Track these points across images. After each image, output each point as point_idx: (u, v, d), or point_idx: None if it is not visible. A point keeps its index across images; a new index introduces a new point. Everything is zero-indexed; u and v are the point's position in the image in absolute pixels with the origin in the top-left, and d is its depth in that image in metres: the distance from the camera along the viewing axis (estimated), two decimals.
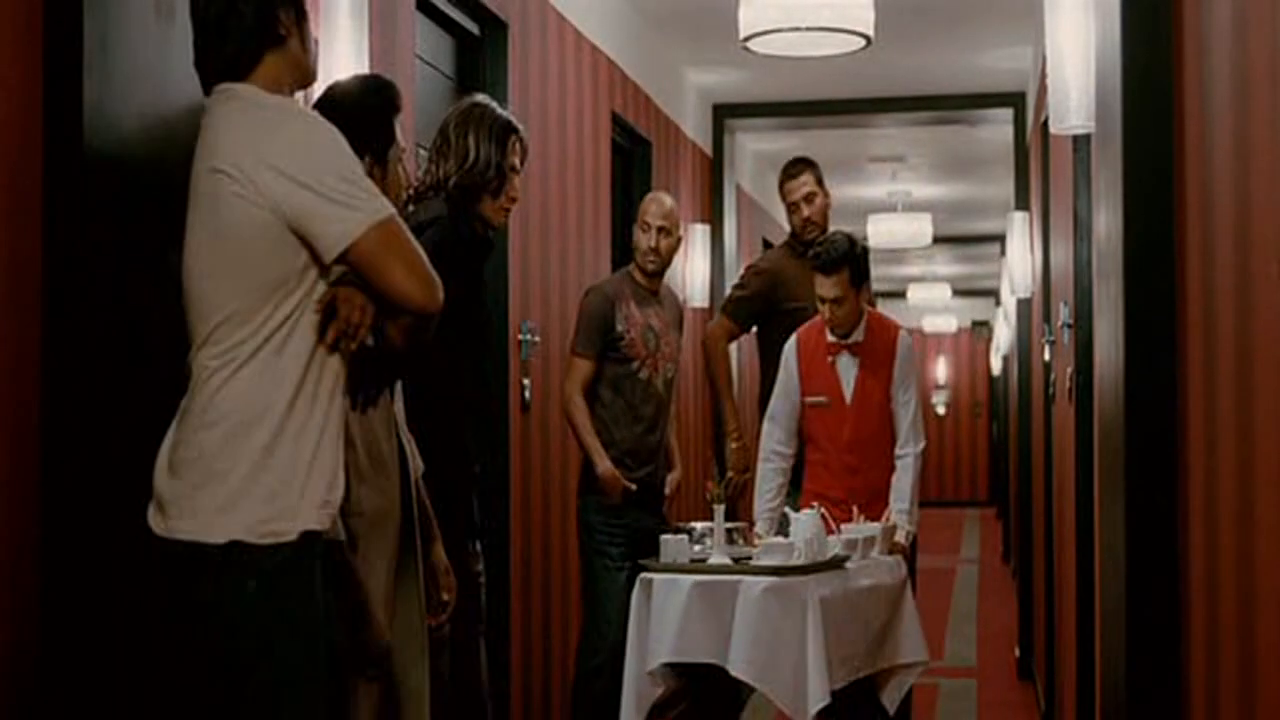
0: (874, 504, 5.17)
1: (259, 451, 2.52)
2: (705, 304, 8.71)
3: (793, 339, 5.37)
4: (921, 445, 5.24)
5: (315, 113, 2.76)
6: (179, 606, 2.56)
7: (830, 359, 5.27)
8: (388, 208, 2.61)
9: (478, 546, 4.02)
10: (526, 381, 5.41)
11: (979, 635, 9.70)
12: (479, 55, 5.18)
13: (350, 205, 2.55)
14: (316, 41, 2.84)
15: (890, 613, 4.80)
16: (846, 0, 4.77)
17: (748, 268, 6.48)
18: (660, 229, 5.42)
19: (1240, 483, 2.19)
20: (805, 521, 4.58)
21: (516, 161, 4.01)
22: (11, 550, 2.47)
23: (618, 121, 6.92)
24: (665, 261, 5.48)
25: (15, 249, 2.51)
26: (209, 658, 2.54)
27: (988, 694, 7.94)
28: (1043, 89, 5.38)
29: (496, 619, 4.94)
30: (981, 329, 22.57)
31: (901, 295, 20.71)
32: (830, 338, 5.26)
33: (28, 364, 2.53)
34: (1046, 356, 6.69)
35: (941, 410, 23.11)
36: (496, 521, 5.00)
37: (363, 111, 3.15)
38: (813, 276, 5.57)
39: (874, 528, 4.92)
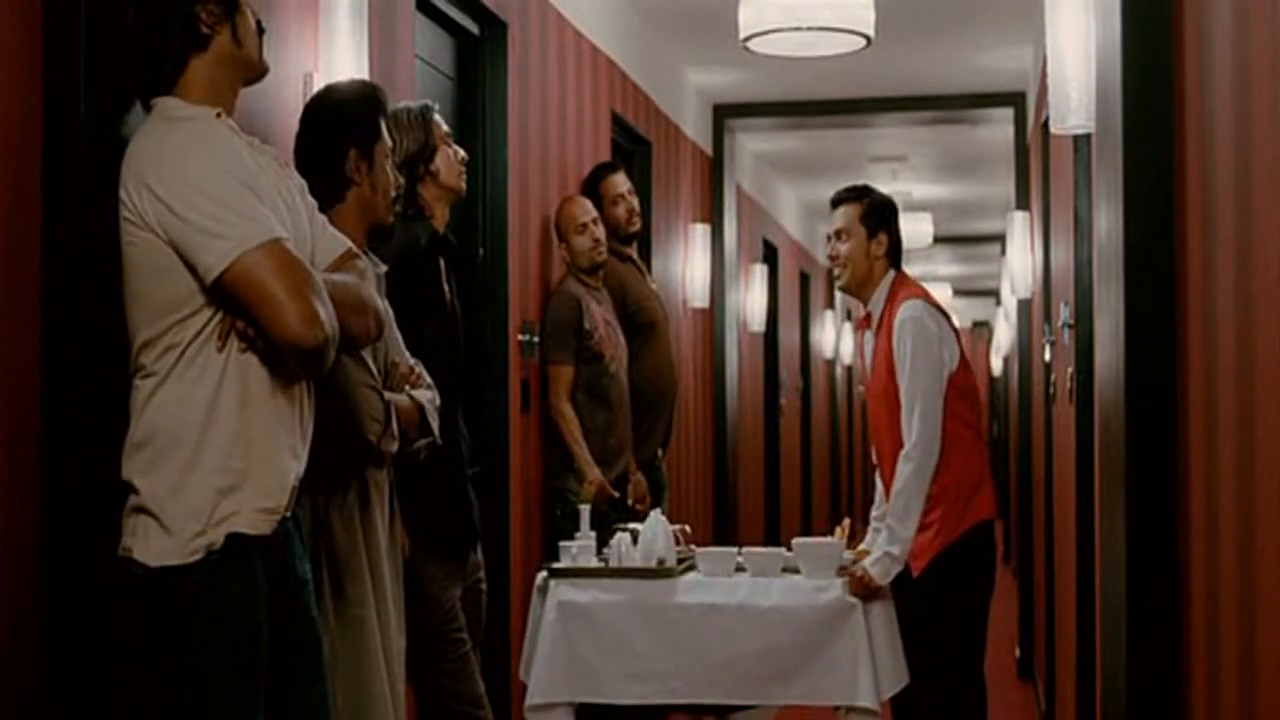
0: None
1: (182, 468, 2.47)
2: (705, 304, 8.70)
3: None
4: (910, 443, 4.38)
5: (213, 125, 2.59)
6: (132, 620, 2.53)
7: (861, 334, 4.73)
8: (265, 233, 2.46)
9: (479, 555, 4.01)
10: (526, 382, 5.41)
11: None
12: (479, 55, 5.18)
13: (218, 233, 2.44)
14: (262, 31, 2.72)
15: (805, 641, 4.25)
16: (847, 0, 4.76)
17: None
18: (593, 220, 5.63)
19: (1241, 483, 2.18)
20: (647, 526, 4.50)
21: (442, 131, 3.99)
22: (11, 551, 2.47)
23: (618, 121, 6.92)
24: (605, 247, 5.66)
25: (15, 249, 2.50)
26: (150, 668, 2.50)
27: (988, 694, 7.92)
28: (1043, 89, 5.37)
29: (499, 623, 4.93)
30: (982, 329, 22.56)
31: None
32: (862, 311, 4.71)
33: (27, 364, 2.53)
34: (1047, 357, 6.68)
35: None
36: (497, 525, 4.99)
37: (349, 108, 3.22)
38: (640, 274, 5.87)
39: (818, 543, 4.48)
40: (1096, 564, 3.77)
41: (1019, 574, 9.04)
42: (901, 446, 4.43)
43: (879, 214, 4.65)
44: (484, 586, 4.06)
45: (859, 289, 4.66)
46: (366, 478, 3.12)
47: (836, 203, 4.73)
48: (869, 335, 4.66)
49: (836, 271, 4.71)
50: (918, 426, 4.37)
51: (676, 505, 7.60)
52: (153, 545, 2.47)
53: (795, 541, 4.49)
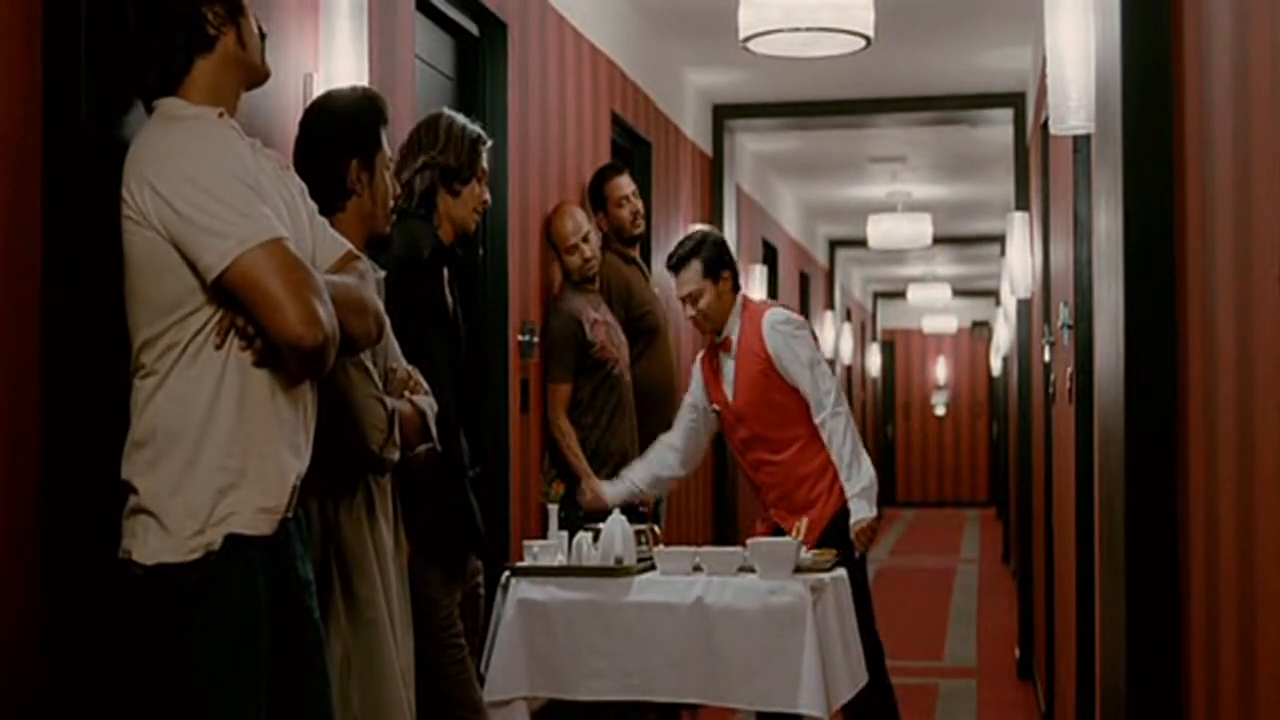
0: (791, 496, 4.98)
1: (182, 467, 2.47)
2: None
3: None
4: (827, 408, 4.89)
5: (215, 124, 2.59)
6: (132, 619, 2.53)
7: (715, 362, 5.09)
8: (266, 231, 2.45)
9: (477, 559, 4.01)
10: (526, 382, 5.41)
11: (979, 635, 9.70)
12: (479, 55, 5.18)
13: (219, 232, 2.43)
14: (263, 36, 2.72)
15: (753, 643, 4.20)
16: (847, 0, 4.77)
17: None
18: (585, 237, 5.63)
19: (1240, 483, 2.18)
20: (607, 526, 4.50)
21: (483, 165, 4.01)
22: (12, 552, 2.47)
23: (618, 122, 6.92)
24: (598, 257, 5.69)
25: (15, 249, 2.51)
26: (149, 668, 2.50)
27: (988, 694, 7.93)
28: (1043, 89, 5.38)
29: None
30: (981, 329, 22.57)
31: (902, 295, 20.73)
32: (718, 340, 5.08)
33: (28, 365, 2.53)
34: (1046, 357, 6.68)
35: (941, 411, 23.10)
36: (497, 527, 4.99)
37: (351, 119, 3.19)
38: (643, 276, 5.98)
39: (773, 542, 4.43)
40: (1096, 564, 3.77)
41: (1019, 574, 9.03)
42: (793, 441, 4.94)
43: (715, 258, 5.05)
44: (482, 591, 4.06)
45: (722, 326, 5.06)
46: (370, 482, 3.13)
47: (676, 267, 5.08)
48: (725, 357, 5.04)
49: (703, 324, 5.09)
50: (834, 391, 4.93)
51: (677, 506, 7.60)
52: (151, 545, 2.47)
53: (750, 541, 4.48)
